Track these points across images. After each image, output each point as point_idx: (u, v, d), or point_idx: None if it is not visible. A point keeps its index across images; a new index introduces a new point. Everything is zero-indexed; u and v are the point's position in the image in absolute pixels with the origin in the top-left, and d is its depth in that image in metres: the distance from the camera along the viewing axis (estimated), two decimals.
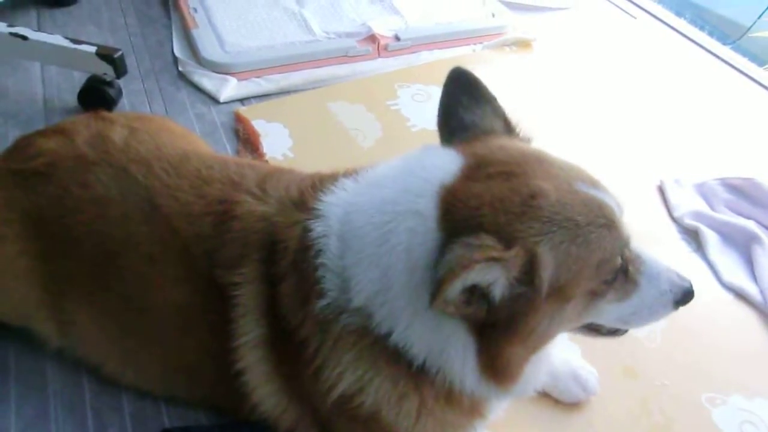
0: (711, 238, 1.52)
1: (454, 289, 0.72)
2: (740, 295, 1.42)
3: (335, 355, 0.87)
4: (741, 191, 1.62)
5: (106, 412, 1.12)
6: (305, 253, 0.89)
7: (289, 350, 0.91)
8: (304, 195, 0.96)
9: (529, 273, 0.75)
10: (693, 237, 1.55)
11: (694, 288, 0.88)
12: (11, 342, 1.19)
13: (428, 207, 0.79)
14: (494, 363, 0.80)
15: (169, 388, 1.11)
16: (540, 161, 0.82)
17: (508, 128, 0.92)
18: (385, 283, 0.81)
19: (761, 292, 1.40)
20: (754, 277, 1.44)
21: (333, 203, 0.91)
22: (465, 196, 0.78)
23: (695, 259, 1.50)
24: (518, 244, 0.74)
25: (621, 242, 0.81)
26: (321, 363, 0.88)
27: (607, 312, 0.85)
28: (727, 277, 1.44)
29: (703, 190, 1.65)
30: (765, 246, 1.47)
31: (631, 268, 0.84)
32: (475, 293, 0.75)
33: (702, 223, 1.55)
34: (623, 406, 1.20)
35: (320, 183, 0.97)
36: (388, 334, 0.82)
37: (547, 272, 0.75)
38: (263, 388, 0.97)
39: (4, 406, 1.12)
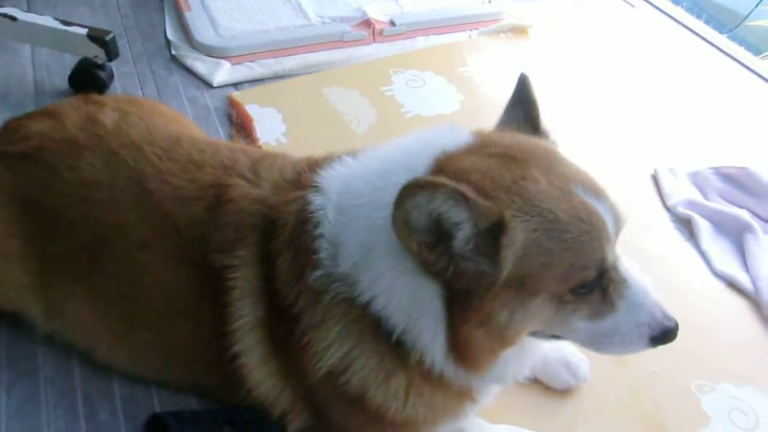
0: (704, 227, 1.52)
1: (419, 202, 0.72)
2: (732, 284, 1.42)
3: (324, 328, 0.88)
4: (735, 180, 1.62)
5: (97, 398, 1.11)
6: (303, 226, 0.89)
7: (285, 330, 0.91)
8: (300, 175, 0.97)
9: (494, 241, 0.74)
10: (686, 226, 1.55)
11: (678, 325, 0.84)
12: (1, 328, 1.18)
13: (421, 165, 0.81)
14: (456, 343, 0.81)
15: (161, 374, 1.11)
16: (546, 157, 0.82)
17: (536, 130, 0.92)
18: (369, 246, 0.82)
19: (752, 281, 1.41)
20: (746, 266, 1.44)
21: (332, 177, 0.92)
22: (460, 162, 0.79)
23: (687, 247, 1.51)
24: (494, 203, 0.75)
25: (600, 256, 0.78)
26: (311, 337, 0.88)
27: (576, 328, 0.83)
28: (719, 265, 1.45)
29: (696, 179, 1.65)
30: (757, 235, 1.47)
31: (611, 289, 0.81)
32: (440, 238, 0.75)
33: (695, 212, 1.55)
34: (613, 393, 1.21)
35: (317, 162, 0.98)
36: (370, 302, 0.82)
37: (511, 249, 0.75)
38: (259, 371, 0.97)
39: None
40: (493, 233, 0.74)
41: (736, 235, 1.51)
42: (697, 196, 1.60)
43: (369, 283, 0.82)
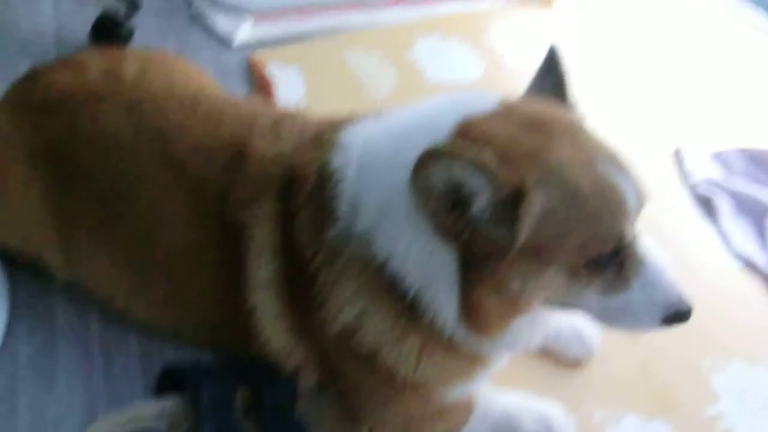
0: (724, 206, 1.50)
1: (438, 170, 0.72)
2: (749, 265, 1.41)
3: (339, 286, 0.89)
4: (759, 162, 1.59)
5: (113, 349, 1.14)
6: (323, 184, 0.90)
7: (301, 287, 0.93)
8: (322, 134, 0.97)
9: (511, 209, 0.74)
10: (706, 205, 1.53)
11: (692, 309, 0.82)
12: (20, 275, 1.19)
13: (443, 128, 0.80)
14: (469, 307, 0.81)
15: (177, 325, 1.12)
16: (571, 128, 0.81)
17: (564, 101, 0.91)
18: (388, 206, 0.82)
19: None
20: (765, 247, 1.43)
21: (355, 136, 0.92)
22: (483, 127, 0.79)
23: (706, 226, 1.49)
24: (514, 172, 0.74)
25: (618, 231, 0.77)
26: (326, 295, 0.89)
27: (589, 301, 0.82)
28: (738, 246, 1.43)
29: (720, 159, 1.62)
30: None
31: (627, 265, 0.80)
32: (458, 204, 0.75)
33: (716, 192, 1.52)
34: (623, 367, 1.21)
35: (340, 122, 0.97)
36: (386, 263, 0.83)
37: (528, 218, 0.74)
38: (274, 326, 0.98)
39: (14, 335, 1.13)
40: (511, 202, 0.74)
41: (757, 216, 1.48)
42: (720, 176, 1.57)
43: (385, 243, 0.83)
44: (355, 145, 0.90)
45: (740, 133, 1.71)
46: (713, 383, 1.20)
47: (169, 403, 1.03)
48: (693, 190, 1.56)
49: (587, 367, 1.19)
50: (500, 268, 0.77)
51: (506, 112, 0.82)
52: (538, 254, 0.77)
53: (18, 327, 1.14)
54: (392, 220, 0.82)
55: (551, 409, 1.09)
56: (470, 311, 0.81)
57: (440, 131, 0.80)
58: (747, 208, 1.50)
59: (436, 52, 1.87)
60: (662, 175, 1.60)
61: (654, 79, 1.90)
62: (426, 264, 0.81)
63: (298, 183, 0.93)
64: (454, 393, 0.97)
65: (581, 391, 1.16)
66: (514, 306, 0.82)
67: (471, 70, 1.83)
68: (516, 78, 1.77)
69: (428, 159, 0.72)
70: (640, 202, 0.81)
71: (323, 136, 0.96)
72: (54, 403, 1.07)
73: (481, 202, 0.75)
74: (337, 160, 0.90)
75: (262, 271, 0.95)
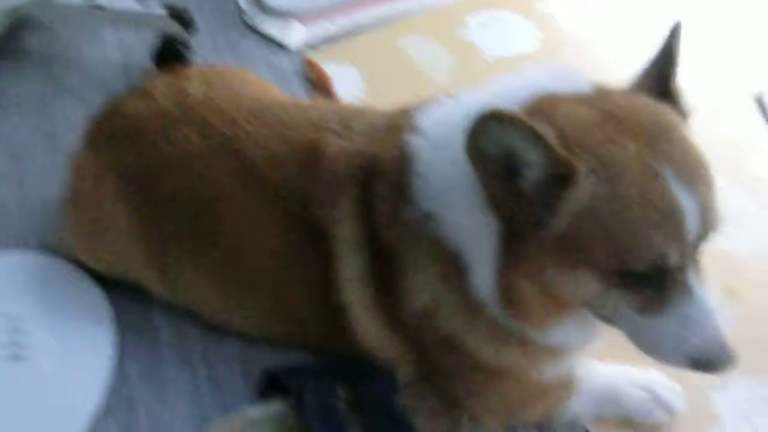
0: None
1: (495, 133, 0.71)
2: None
3: (417, 268, 0.90)
4: None
5: (214, 355, 1.18)
6: (403, 167, 0.90)
7: (388, 278, 0.94)
8: (395, 121, 0.97)
9: (558, 191, 0.72)
10: None
11: (728, 366, 0.76)
12: (122, 297, 1.25)
13: (518, 100, 0.79)
14: (505, 288, 0.80)
15: (273, 332, 1.15)
16: (654, 129, 0.75)
17: (666, 92, 0.84)
18: (452, 180, 0.82)
19: None
20: None
21: (430, 117, 0.92)
22: (559, 106, 0.77)
23: None
24: (572, 155, 0.72)
25: (659, 251, 0.72)
26: (405, 279, 0.91)
27: (624, 316, 0.79)
28: None
29: None
30: None
31: (671, 291, 0.75)
32: (509, 173, 0.74)
33: None
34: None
35: (410, 108, 0.98)
36: (451, 240, 0.84)
37: (570, 205, 0.72)
38: (366, 321, 1.00)
39: (125, 354, 1.19)
40: (560, 183, 0.72)
41: None
42: None
43: (450, 218, 0.83)
44: (431, 127, 0.90)
45: None
46: None
47: (276, 407, 1.07)
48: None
49: None
50: (536, 253, 0.76)
51: (593, 97, 0.80)
52: (572, 249, 0.74)
53: (127, 346, 1.20)
54: (454, 194, 0.82)
55: (655, 376, 1.06)
56: (507, 296, 0.80)
57: (513, 103, 0.78)
58: None
59: (489, 28, 1.83)
60: (743, 118, 1.52)
61: (737, 19, 1.79)
62: (475, 238, 0.81)
63: (377, 172, 0.94)
64: (548, 374, 0.95)
65: None
66: (553, 301, 0.80)
67: (528, 42, 1.78)
68: (576, 45, 1.71)
69: (487, 120, 0.71)
70: (705, 229, 0.74)
71: (396, 123, 0.96)
72: (167, 411, 1.12)
73: (532, 175, 0.74)
74: (413, 143, 0.90)
75: (350, 268, 0.97)
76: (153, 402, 1.14)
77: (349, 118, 1.03)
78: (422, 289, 0.90)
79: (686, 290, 0.75)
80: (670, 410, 1.04)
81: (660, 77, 0.83)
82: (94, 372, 1.17)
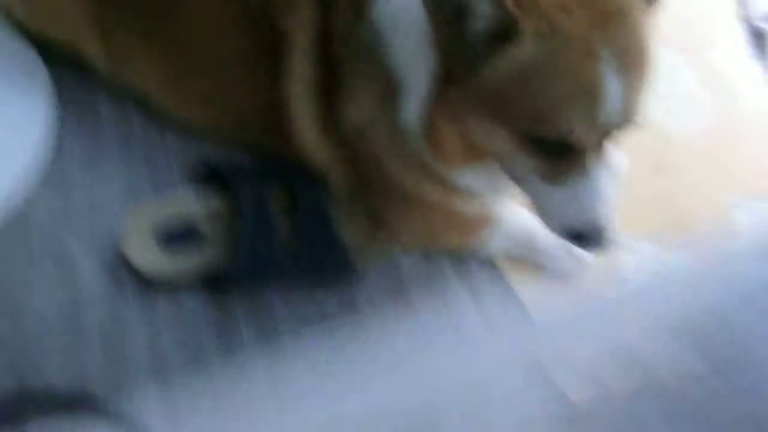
0: None
1: None
2: None
3: (359, 82, 0.92)
4: None
5: (154, 141, 1.19)
6: None
7: (332, 89, 0.96)
8: None
9: (497, 43, 0.73)
10: (759, 40, 1.46)
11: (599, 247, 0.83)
12: (65, 73, 1.21)
13: None
14: (429, 126, 0.83)
15: (215, 126, 1.16)
16: (614, 13, 0.75)
17: None
18: (409, 9, 0.82)
19: None
20: None
21: None
22: None
23: (752, 64, 1.44)
24: (522, 15, 0.72)
25: (569, 127, 0.75)
26: (349, 93, 0.93)
27: (530, 182, 0.84)
28: None
29: None
30: None
31: (571, 168, 0.80)
32: (458, 12, 0.74)
33: None
34: (647, 198, 1.24)
35: None
36: (392, 63, 0.86)
37: (506, 62, 0.73)
38: (307, 129, 1.02)
39: (64, 125, 1.19)
40: (503, 38, 0.73)
41: None
42: None
43: (398, 44, 0.84)
44: None
45: None
46: (732, 216, 1.23)
47: (210, 195, 1.10)
48: (748, 22, 1.48)
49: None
50: (462, 101, 0.78)
51: None
52: (495, 103, 0.77)
53: (65, 120, 1.19)
54: (406, 23, 0.83)
55: None
56: (429, 132, 0.84)
57: None
58: None
59: None
60: (717, 6, 1.52)
61: None
62: (414, 69, 0.83)
63: None
64: (466, 208, 1.01)
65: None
66: (469, 147, 0.84)
67: None
68: None
69: None
70: (620, 119, 0.77)
71: None
72: (103, 189, 1.14)
73: (479, 25, 0.74)
74: None
75: (298, 75, 0.97)
76: (90, 179, 1.15)
77: None
78: (360, 106, 0.92)
79: (583, 170, 0.80)
80: (579, 262, 1.13)
81: None
82: (29, 137, 1.16)
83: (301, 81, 0.98)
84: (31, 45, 1.19)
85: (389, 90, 0.88)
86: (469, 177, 0.90)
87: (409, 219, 1.07)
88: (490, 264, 1.14)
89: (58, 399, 0.97)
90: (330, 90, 0.96)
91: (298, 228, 1.08)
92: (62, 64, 1.19)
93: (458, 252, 1.13)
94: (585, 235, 0.83)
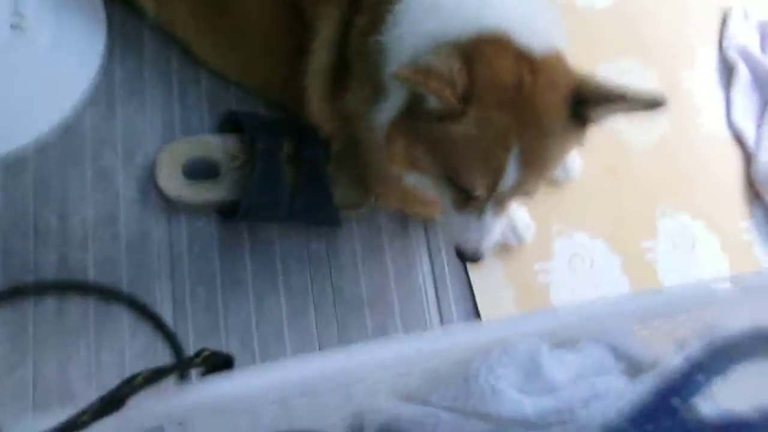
0: (743, 76, 1.61)
1: (412, 81, 0.91)
2: (737, 138, 1.58)
3: (359, 82, 1.10)
4: None
5: (188, 85, 1.38)
6: (386, 2, 1.04)
7: (340, 76, 1.14)
8: None
9: (448, 118, 0.93)
10: (727, 71, 1.64)
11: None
12: (118, 7, 1.39)
13: (486, 22, 0.95)
14: (388, 136, 1.02)
15: (244, 80, 1.37)
16: (537, 122, 0.93)
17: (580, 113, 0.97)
18: (410, 40, 0.99)
19: (757, 139, 1.56)
20: (760, 126, 1.58)
21: None
22: (494, 53, 0.93)
23: (717, 91, 1.62)
24: (469, 101, 0.91)
25: (473, 186, 0.98)
26: (350, 86, 1.12)
27: (446, 202, 1.05)
28: (736, 116, 1.58)
29: (764, 29, 1.67)
30: None
31: (471, 206, 1.02)
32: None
33: (743, 60, 1.62)
34: (592, 195, 1.47)
35: None
36: (386, 76, 1.04)
37: (450, 129, 0.93)
38: (318, 102, 1.21)
39: (111, 58, 1.38)
40: (449, 116, 0.93)
41: (765, 94, 1.61)
42: (755, 46, 1.65)
43: (391, 65, 1.01)
44: None
45: None
46: (657, 224, 1.48)
47: (230, 141, 1.32)
48: (724, 52, 1.65)
49: (568, 194, 1.46)
50: (417, 131, 0.98)
51: (530, 61, 0.93)
52: (434, 146, 0.98)
53: (114, 52, 1.38)
54: (403, 50, 0.99)
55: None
56: (387, 139, 1.02)
57: (480, 23, 0.94)
58: (762, 83, 1.62)
59: None
60: (704, 35, 1.68)
61: None
62: (396, 88, 1.01)
63: None
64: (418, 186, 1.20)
65: (549, 207, 1.44)
66: (412, 161, 1.03)
67: None
68: (648, 14, 1.66)
69: (410, 73, 0.89)
70: (510, 192, 0.99)
71: None
72: (141, 120, 1.35)
73: (434, 104, 0.93)
74: None
75: (319, 60, 1.15)
76: (130, 106, 1.35)
77: None
78: (354, 98, 1.11)
79: (480, 211, 1.03)
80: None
81: (599, 99, 0.95)
82: (85, 59, 1.35)
83: (317, 62, 1.16)
84: None
85: (375, 95, 1.06)
86: (412, 179, 1.10)
87: (384, 190, 1.30)
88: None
89: (93, 287, 1.23)
90: (338, 75, 1.15)
91: (299, 178, 1.30)
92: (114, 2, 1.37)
93: (426, 219, 1.38)
94: (465, 254, 1.09)
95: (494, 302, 1.34)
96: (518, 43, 0.94)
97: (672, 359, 0.81)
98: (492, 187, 0.98)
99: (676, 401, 0.76)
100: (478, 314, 1.33)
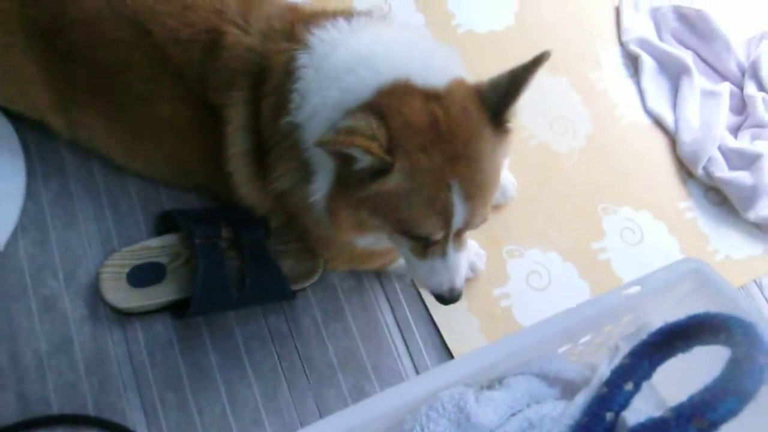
0: (648, 65, 1.68)
1: (334, 145, 0.93)
2: (657, 122, 1.64)
3: (284, 161, 1.12)
4: (689, 21, 1.73)
5: (116, 193, 1.39)
6: (287, 78, 1.07)
7: (263, 160, 1.15)
8: (294, 27, 1.10)
9: (378, 175, 0.94)
10: (633, 63, 1.71)
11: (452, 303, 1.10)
12: (30, 130, 1.39)
13: (384, 77, 0.97)
14: (330, 208, 1.04)
15: (169, 179, 1.38)
16: (466, 151, 0.95)
17: (498, 112, 0.99)
18: (319, 110, 1.02)
19: (675, 120, 1.62)
20: (674, 107, 1.64)
21: (323, 39, 1.07)
22: (403, 102, 0.95)
23: (629, 84, 1.69)
24: (393, 153, 0.93)
25: (428, 232, 0.99)
26: (275, 167, 1.13)
27: (404, 252, 1.08)
28: (651, 103, 1.64)
29: (656, 16, 1.75)
30: (692, 79, 1.64)
31: (433, 249, 1.04)
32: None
33: (644, 50, 1.69)
34: (533, 210, 1.50)
35: (312, 18, 1.11)
36: (307, 152, 1.06)
37: (385, 185, 0.94)
38: (246, 185, 1.23)
39: (34, 180, 1.38)
40: (378, 172, 0.95)
41: (674, 76, 1.68)
42: (651, 35, 1.73)
43: (311, 137, 1.03)
44: (321, 50, 1.05)
45: None
46: (603, 223, 1.51)
47: (170, 240, 1.32)
48: (625, 46, 1.72)
49: (505, 211, 1.48)
50: (355, 199, 0.99)
51: (438, 95, 0.96)
52: (378, 207, 0.99)
53: (35, 175, 1.37)
54: (318, 122, 1.02)
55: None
56: (330, 210, 1.04)
57: (379, 78, 0.97)
58: (667, 68, 1.69)
59: None
60: (600, 32, 1.75)
61: None
62: (322, 161, 1.03)
63: (266, 74, 1.10)
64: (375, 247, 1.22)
65: (496, 231, 1.46)
66: (360, 226, 1.05)
67: (503, 16, 1.75)
68: (553, 23, 1.74)
69: (333, 137, 0.91)
70: (465, 226, 1.01)
71: (293, 30, 1.09)
72: (75, 238, 1.34)
73: (361, 165, 0.94)
74: (302, 60, 1.05)
75: (236, 145, 1.17)
76: (62, 226, 1.35)
77: (248, 8, 1.14)
78: (283, 177, 1.12)
79: (443, 252, 1.05)
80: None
81: (502, 96, 0.97)
82: (8, 190, 1.34)
83: (235, 147, 1.17)
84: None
85: (304, 174, 1.08)
86: (362, 242, 1.12)
87: (332, 254, 1.31)
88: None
89: (59, 418, 1.20)
90: (260, 156, 1.16)
91: (244, 262, 1.30)
92: (28, 124, 1.37)
93: (379, 270, 1.38)
94: (443, 298, 1.10)
95: (461, 336, 1.34)
96: (419, 84, 0.97)
97: (602, 372, 0.82)
98: (446, 228, 1.00)
99: (609, 415, 0.76)
100: (448, 349, 1.33)
